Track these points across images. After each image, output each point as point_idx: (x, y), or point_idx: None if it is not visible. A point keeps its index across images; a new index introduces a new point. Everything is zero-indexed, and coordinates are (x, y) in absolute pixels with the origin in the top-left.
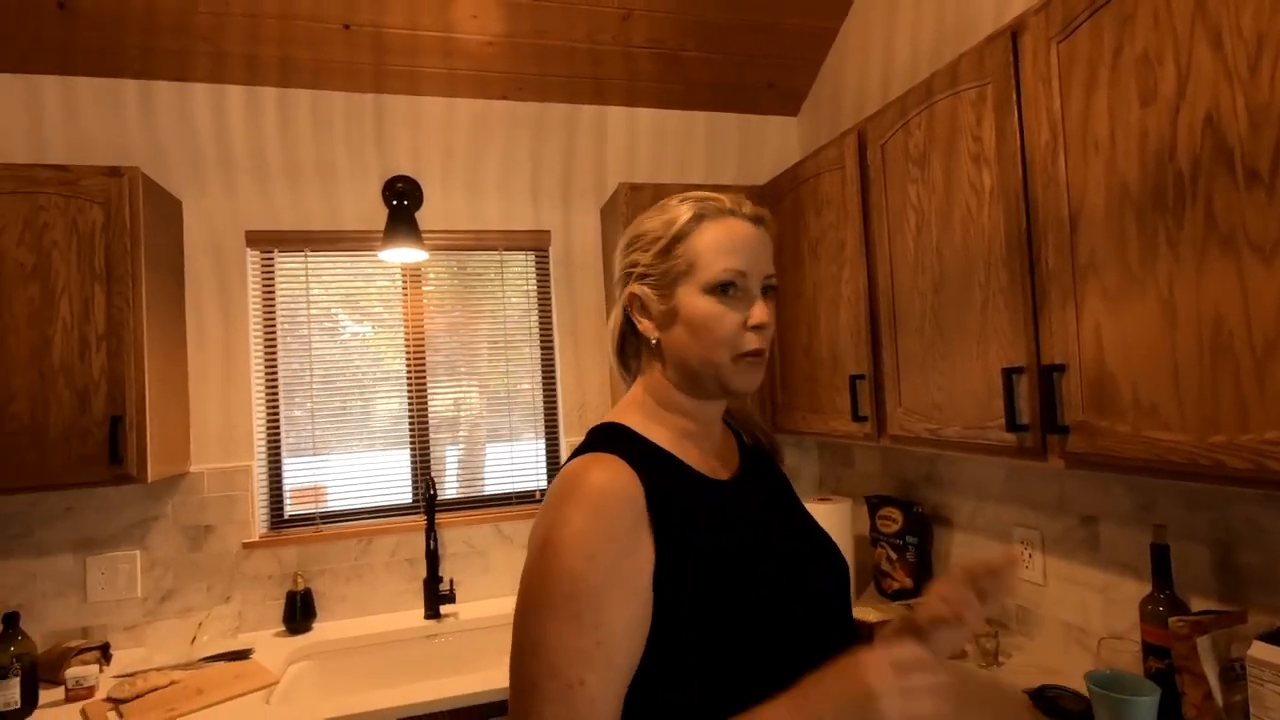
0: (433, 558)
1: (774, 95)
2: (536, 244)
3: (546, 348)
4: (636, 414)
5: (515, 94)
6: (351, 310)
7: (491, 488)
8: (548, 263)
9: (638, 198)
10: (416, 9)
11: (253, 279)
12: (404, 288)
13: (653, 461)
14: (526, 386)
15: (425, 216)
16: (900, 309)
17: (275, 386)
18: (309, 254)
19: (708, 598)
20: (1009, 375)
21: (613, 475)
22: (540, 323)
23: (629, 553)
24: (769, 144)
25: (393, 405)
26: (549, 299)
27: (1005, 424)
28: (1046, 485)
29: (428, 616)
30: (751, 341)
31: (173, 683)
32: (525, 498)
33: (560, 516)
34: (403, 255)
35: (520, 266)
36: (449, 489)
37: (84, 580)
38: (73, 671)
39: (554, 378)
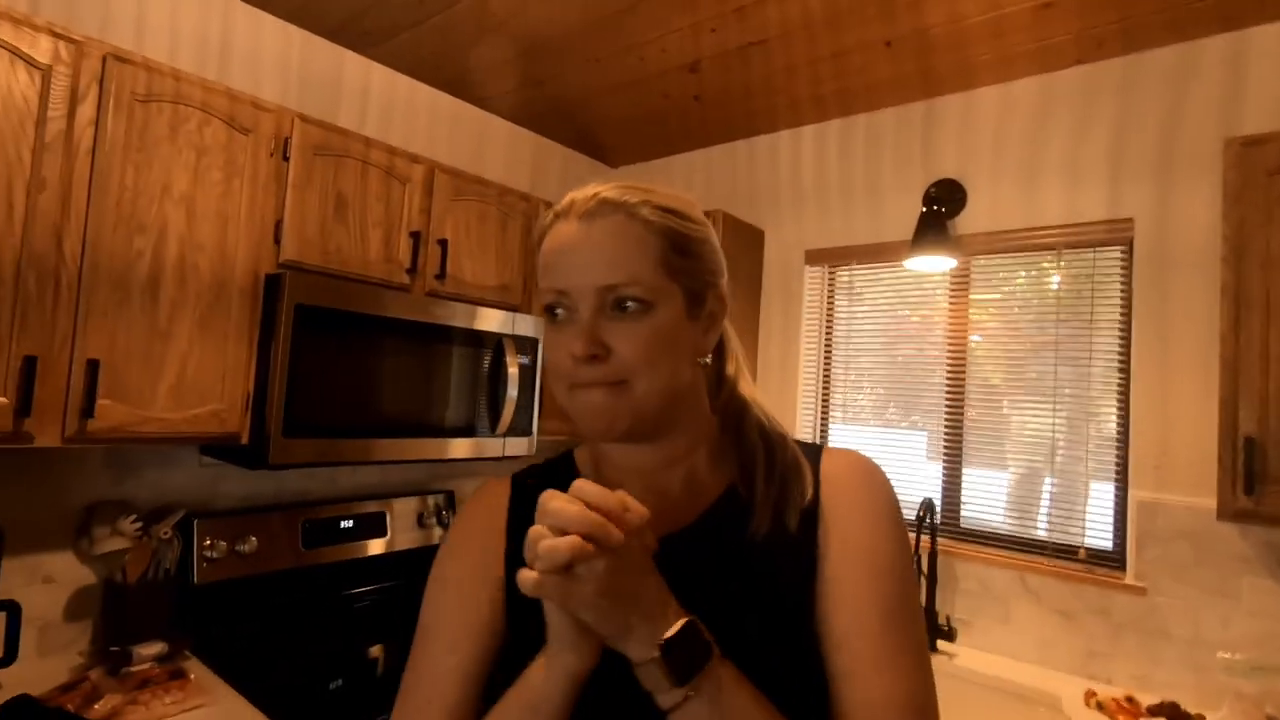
0: (927, 583)
1: None
2: (1111, 237)
3: (1123, 370)
4: (589, 446)
5: (1091, 54)
6: (890, 321)
7: (1042, 530)
8: (1130, 261)
9: (1255, 158)
10: None
11: (810, 292)
12: (949, 298)
13: (552, 483)
14: (1092, 417)
15: (969, 219)
16: None
17: (826, 391)
18: (854, 267)
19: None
20: None
21: (479, 492)
22: (1119, 338)
23: (476, 567)
24: None
25: (929, 419)
26: (1129, 308)
27: None
28: None
29: None
30: (576, 373)
31: None
32: (1066, 552)
33: None
34: (929, 264)
35: (1084, 267)
36: (978, 515)
37: None
38: None
39: (1127, 409)
